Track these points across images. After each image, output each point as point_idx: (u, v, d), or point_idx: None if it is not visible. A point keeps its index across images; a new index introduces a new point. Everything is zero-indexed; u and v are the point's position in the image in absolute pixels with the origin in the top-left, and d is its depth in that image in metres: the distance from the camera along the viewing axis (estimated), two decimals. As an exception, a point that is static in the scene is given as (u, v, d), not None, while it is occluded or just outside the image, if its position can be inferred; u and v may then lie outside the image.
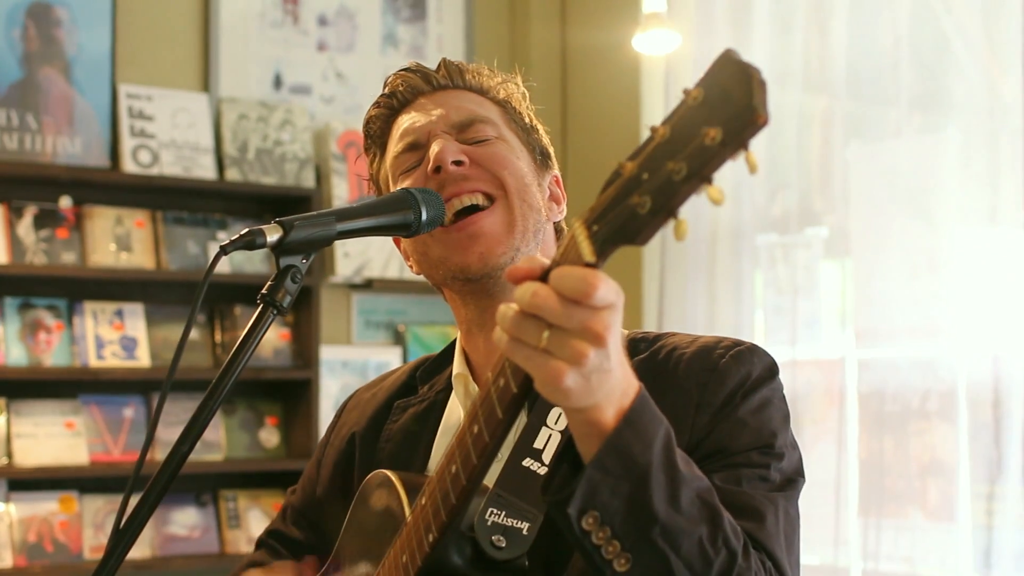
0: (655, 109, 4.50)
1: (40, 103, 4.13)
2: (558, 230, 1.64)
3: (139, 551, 4.10)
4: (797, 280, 3.94)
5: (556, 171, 1.67)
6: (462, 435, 1.23)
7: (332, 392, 4.44)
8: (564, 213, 1.66)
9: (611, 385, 1.10)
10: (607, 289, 1.04)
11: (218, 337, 4.33)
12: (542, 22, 4.94)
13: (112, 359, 4.13)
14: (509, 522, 1.37)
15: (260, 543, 1.80)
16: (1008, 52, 3.40)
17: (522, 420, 1.44)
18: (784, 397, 1.47)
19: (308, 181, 4.48)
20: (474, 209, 1.53)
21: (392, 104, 1.64)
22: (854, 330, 3.75)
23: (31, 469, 3.99)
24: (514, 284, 1.08)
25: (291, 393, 4.42)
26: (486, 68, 1.67)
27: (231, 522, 4.30)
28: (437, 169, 1.53)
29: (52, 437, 4.04)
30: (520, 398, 1.14)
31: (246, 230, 1.38)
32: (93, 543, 4.06)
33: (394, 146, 1.61)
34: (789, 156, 3.98)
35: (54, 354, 4.08)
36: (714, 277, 4.15)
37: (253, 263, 4.33)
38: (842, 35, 3.79)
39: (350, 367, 4.55)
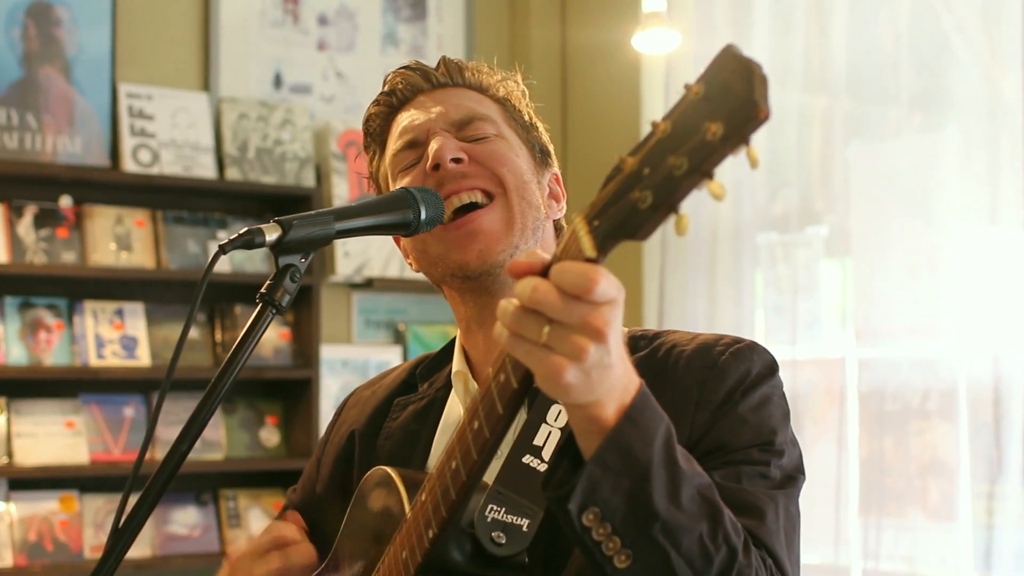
0: (655, 108, 4.50)
1: (40, 102, 4.13)
2: (558, 228, 1.64)
3: (139, 550, 4.10)
4: (797, 279, 3.94)
5: (556, 169, 1.67)
6: (462, 431, 1.22)
7: (332, 391, 4.43)
8: (564, 211, 1.65)
9: (612, 381, 1.10)
10: (607, 284, 1.04)
11: (218, 336, 4.33)
12: (542, 21, 4.94)
13: (112, 358, 4.13)
14: (509, 519, 1.37)
15: (260, 541, 1.80)
16: (1008, 51, 3.40)
17: (522, 417, 1.44)
18: (784, 394, 1.47)
19: (308, 180, 4.48)
20: (473, 207, 1.53)
21: (392, 102, 1.64)
22: (854, 329, 3.75)
23: (31, 468, 3.99)
24: (514, 279, 1.07)
25: (291, 392, 4.42)
26: (486, 66, 1.67)
27: (231, 521, 4.30)
28: (436, 167, 1.53)
29: (52, 436, 4.05)
30: (520, 394, 1.14)
31: (245, 229, 1.38)
32: (93, 542, 4.06)
33: (393, 144, 1.61)
34: (789, 155, 3.98)
35: (54, 353, 4.08)
36: (714, 276, 4.15)
37: (254, 262, 4.33)
38: (842, 34, 3.79)
39: (350, 366, 4.55)
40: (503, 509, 1.37)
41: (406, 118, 1.61)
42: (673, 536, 1.16)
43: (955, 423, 3.47)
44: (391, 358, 4.62)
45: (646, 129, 1.09)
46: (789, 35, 3.97)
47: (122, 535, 1.34)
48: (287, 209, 4.20)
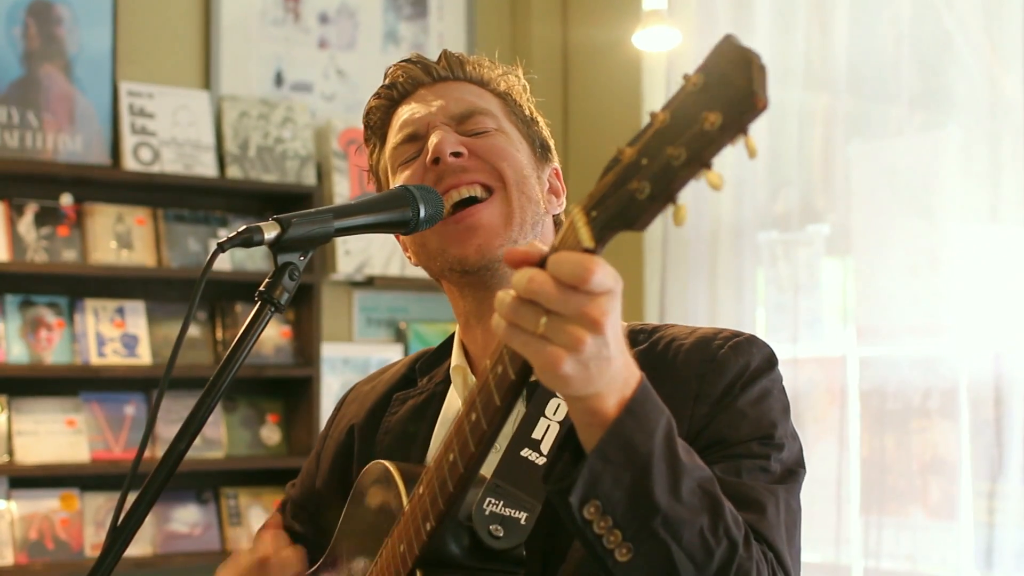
0: (656, 106, 4.48)
1: (41, 101, 4.13)
2: (557, 223, 1.64)
3: (140, 548, 4.10)
4: (798, 278, 3.93)
5: (556, 164, 1.67)
6: (460, 423, 1.22)
7: (333, 389, 4.43)
8: (564, 206, 1.65)
9: (612, 374, 1.10)
10: (604, 274, 1.03)
11: (219, 334, 4.33)
12: (543, 19, 4.94)
13: (113, 356, 4.13)
14: (507, 512, 1.36)
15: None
16: (1009, 49, 3.39)
17: (521, 411, 1.44)
18: (783, 388, 1.46)
19: (309, 179, 4.47)
20: (472, 201, 1.53)
21: (392, 95, 1.64)
22: (855, 328, 3.75)
23: (32, 467, 3.99)
24: (512, 267, 1.07)
25: (292, 390, 4.42)
26: (487, 60, 1.66)
27: (232, 519, 4.30)
28: (436, 160, 1.53)
29: (53, 435, 4.05)
30: (518, 385, 1.13)
31: (243, 227, 1.37)
32: (94, 540, 4.06)
33: (394, 137, 1.61)
34: (790, 154, 3.98)
35: (55, 352, 4.08)
36: (715, 275, 4.15)
37: (254, 260, 4.33)
38: (843, 32, 3.79)
39: (351, 364, 4.55)
40: (501, 502, 1.37)
41: (406, 111, 1.60)
42: (674, 529, 1.15)
43: (956, 422, 3.47)
44: (392, 356, 4.61)
45: (647, 126, 1.09)
46: (790, 33, 3.97)
47: (120, 533, 1.34)
48: (288, 207, 4.20)
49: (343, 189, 4.53)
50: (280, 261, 1.40)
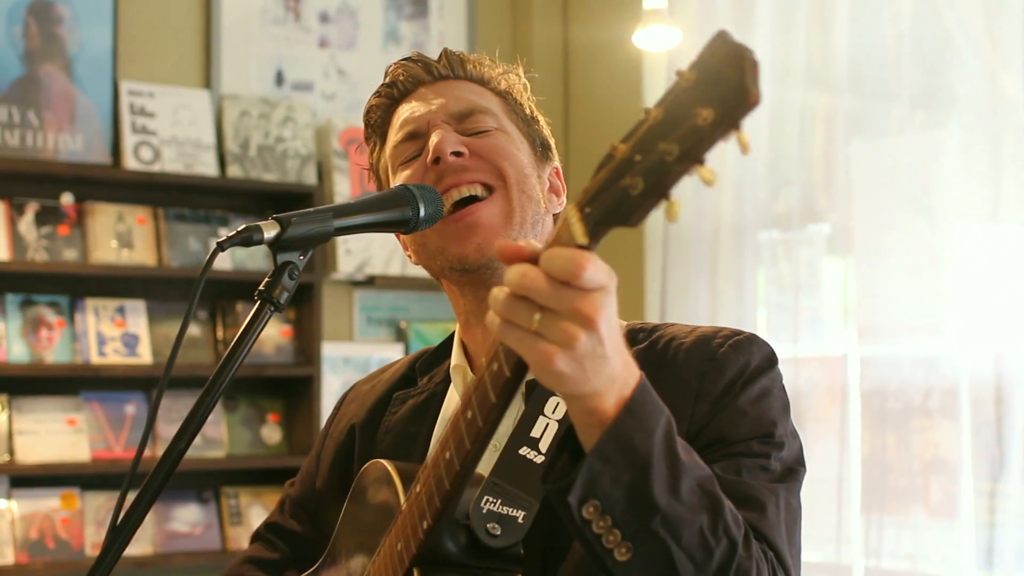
0: (656, 106, 4.49)
1: (41, 100, 4.13)
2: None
3: (141, 548, 4.10)
4: (799, 277, 3.93)
5: (557, 163, 1.66)
6: (456, 421, 1.22)
7: (334, 389, 4.43)
8: (564, 205, 1.65)
9: (609, 372, 1.09)
10: (596, 270, 1.03)
11: (220, 334, 4.33)
12: (544, 18, 4.94)
13: (114, 356, 4.13)
14: (505, 510, 1.36)
15: (257, 537, 1.79)
16: (1010, 48, 3.39)
17: (520, 409, 1.44)
18: (783, 387, 1.46)
19: (310, 178, 4.47)
20: (472, 200, 1.53)
21: (393, 94, 1.64)
22: (856, 327, 3.74)
23: (33, 466, 3.99)
24: (505, 263, 1.07)
25: (293, 390, 4.42)
26: (487, 59, 1.66)
27: (233, 519, 4.30)
28: (436, 160, 1.53)
29: (54, 434, 4.05)
30: (513, 382, 1.13)
31: (243, 226, 1.37)
32: (95, 540, 4.06)
33: (394, 135, 1.61)
34: (791, 153, 3.97)
35: (56, 351, 4.08)
36: (716, 274, 4.15)
37: (255, 260, 4.33)
38: (844, 32, 3.79)
39: (352, 364, 4.55)
40: (499, 501, 1.36)
41: (407, 110, 1.60)
42: (673, 528, 1.15)
43: (957, 421, 3.47)
44: (393, 356, 4.61)
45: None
46: (791, 32, 3.96)
47: (120, 532, 1.33)
48: (289, 207, 4.20)
49: (344, 188, 4.53)
50: (280, 260, 1.40)
